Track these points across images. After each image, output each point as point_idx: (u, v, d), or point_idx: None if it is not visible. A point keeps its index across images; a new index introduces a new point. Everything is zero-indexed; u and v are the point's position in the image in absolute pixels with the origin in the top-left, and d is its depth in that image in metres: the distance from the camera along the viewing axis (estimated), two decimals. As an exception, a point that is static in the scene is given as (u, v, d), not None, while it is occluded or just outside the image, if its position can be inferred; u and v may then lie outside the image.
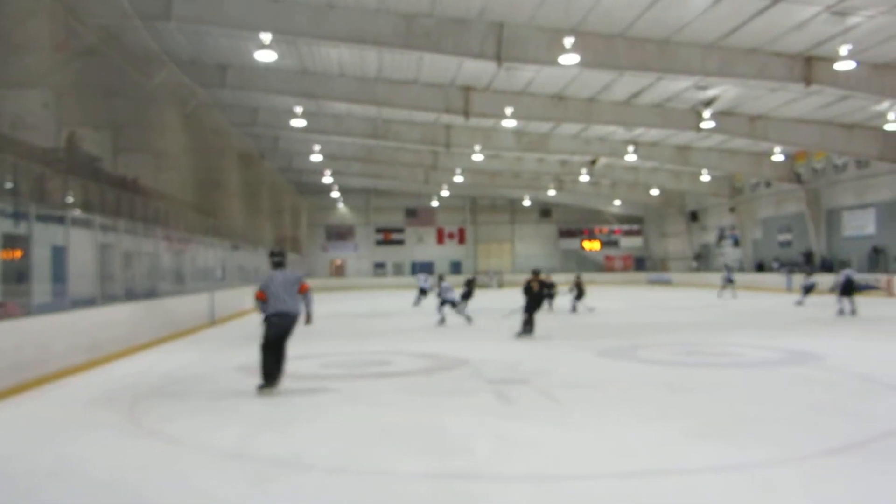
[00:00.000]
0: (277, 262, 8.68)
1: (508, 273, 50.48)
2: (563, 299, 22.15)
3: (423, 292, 22.47)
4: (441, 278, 19.17)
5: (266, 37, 16.93)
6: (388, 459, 5.44)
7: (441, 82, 23.22)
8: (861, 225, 31.98)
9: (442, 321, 17.67)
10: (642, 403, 7.50)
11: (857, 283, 18.39)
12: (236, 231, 24.68)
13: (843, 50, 17.22)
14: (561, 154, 33.80)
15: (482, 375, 9.33)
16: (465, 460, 5.39)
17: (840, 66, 17.85)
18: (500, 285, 46.18)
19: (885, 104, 23.06)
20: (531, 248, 54.87)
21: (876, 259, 30.41)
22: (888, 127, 25.76)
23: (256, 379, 8.30)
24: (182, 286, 17.79)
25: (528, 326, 14.05)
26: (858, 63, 18.39)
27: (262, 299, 8.40)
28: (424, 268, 52.97)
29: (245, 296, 22.05)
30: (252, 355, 11.51)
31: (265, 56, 17.45)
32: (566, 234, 55.00)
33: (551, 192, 46.06)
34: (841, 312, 18.19)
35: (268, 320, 8.31)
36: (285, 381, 8.40)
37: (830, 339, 13.03)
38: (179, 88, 20.51)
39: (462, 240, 54.60)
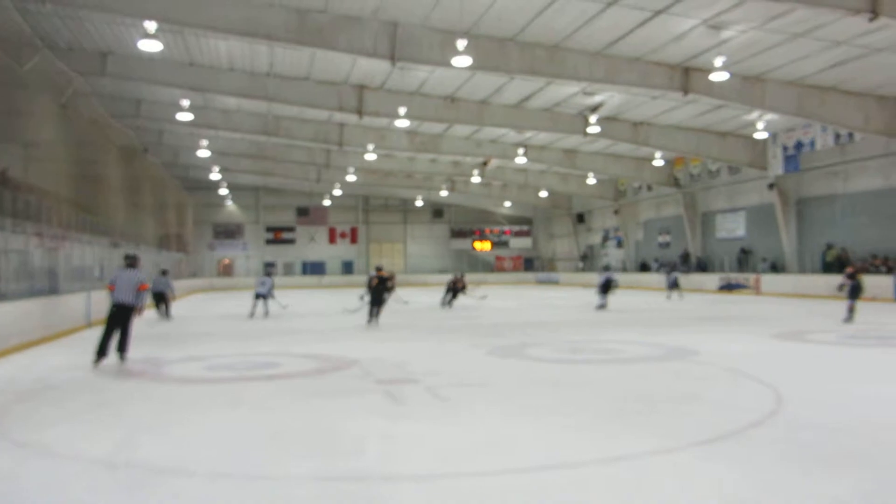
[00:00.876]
0: (129, 263, 10.81)
1: (401, 273, 50.50)
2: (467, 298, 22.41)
3: (259, 297, 20.73)
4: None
5: (150, 25, 16.19)
6: (275, 463, 5.31)
7: (334, 80, 22.98)
8: (732, 227, 33.99)
9: (251, 315, 19.98)
10: (530, 400, 7.67)
11: (615, 283, 21.74)
12: (116, 228, 23.50)
13: (718, 62, 18.24)
14: (453, 155, 34.17)
15: (371, 376, 9.28)
16: (354, 461, 5.34)
17: (715, 76, 18.89)
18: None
19: (755, 114, 24.61)
20: (423, 248, 55.16)
21: (745, 259, 32.42)
22: (757, 135, 27.52)
23: (137, 383, 7.96)
24: (56, 286, 16.77)
25: (370, 317, 16.99)
26: (731, 74, 19.52)
27: (111, 290, 10.47)
28: (316, 268, 52.35)
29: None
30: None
31: (149, 46, 16.66)
32: (458, 234, 55.61)
33: (444, 193, 46.49)
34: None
35: (112, 307, 10.37)
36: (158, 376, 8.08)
37: (704, 336, 13.74)
38: (55, 75, 19.32)
39: (354, 239, 54.21)
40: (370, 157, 32.93)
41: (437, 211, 55.56)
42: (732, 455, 5.37)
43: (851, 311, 15.63)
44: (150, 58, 20.70)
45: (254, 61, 21.51)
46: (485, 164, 38.06)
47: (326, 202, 52.04)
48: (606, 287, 21.40)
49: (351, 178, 40.31)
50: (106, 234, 22.24)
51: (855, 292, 15.58)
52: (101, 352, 10.22)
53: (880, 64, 19.31)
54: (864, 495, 4.41)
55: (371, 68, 21.26)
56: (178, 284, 33.29)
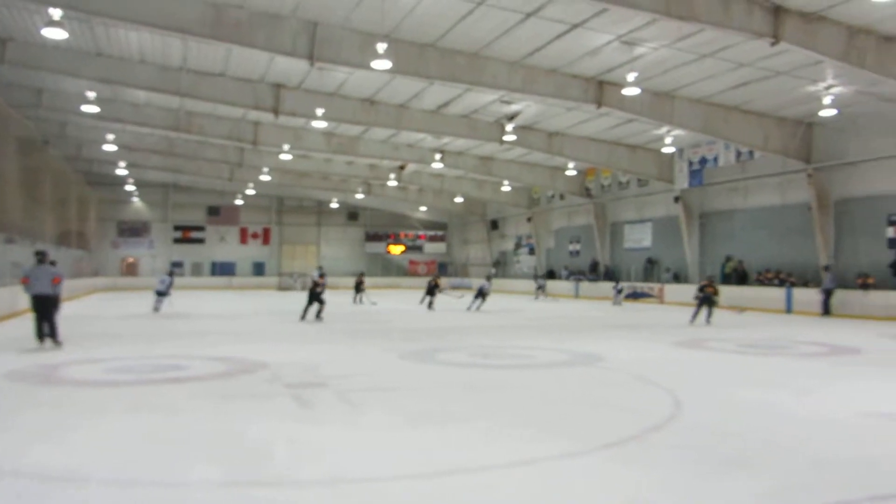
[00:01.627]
0: (39, 259, 12.04)
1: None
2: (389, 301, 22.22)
3: (160, 294, 21.94)
4: (170, 273, 23.66)
5: (56, 12, 15.41)
6: (178, 470, 5.14)
7: (250, 77, 22.51)
8: (639, 238, 35.10)
9: (155, 310, 21.62)
10: (440, 405, 7.71)
11: (486, 291, 25.02)
12: (12, 223, 22.26)
13: (630, 77, 18.82)
14: (370, 158, 33.99)
15: (280, 379, 9.12)
16: (260, 466, 5.24)
17: (627, 91, 19.49)
18: (304, 288, 45.49)
19: (664, 129, 25.51)
20: (337, 250, 54.61)
21: (651, 269, 33.54)
22: (665, 150, 28.57)
23: (28, 386, 7.59)
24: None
25: (303, 313, 19.11)
26: (642, 90, 20.18)
27: (25, 283, 11.74)
28: (226, 269, 51.09)
29: (21, 294, 19.99)
30: (25, 361, 10.53)
31: (54, 33, 15.81)
32: (373, 237, 55.33)
33: (359, 196, 46.19)
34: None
35: (32, 299, 11.71)
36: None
37: (611, 342, 14.13)
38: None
39: (267, 240, 53.14)
40: (285, 157, 32.41)
41: (352, 214, 55.13)
42: (635, 458, 5.54)
43: (695, 315, 18.83)
44: (54, 46, 19.72)
45: (166, 54, 20.82)
46: (401, 168, 38.05)
47: (239, 202, 50.79)
48: (480, 293, 24.72)
49: (265, 177, 39.56)
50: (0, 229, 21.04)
51: (706, 302, 18.76)
52: (39, 335, 11.77)
53: (780, 87, 20.38)
54: (756, 496, 4.62)
55: (289, 67, 20.94)
56: (78, 283, 31.84)
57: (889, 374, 10.57)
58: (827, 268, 23.40)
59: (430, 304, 25.44)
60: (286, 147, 30.10)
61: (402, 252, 55.91)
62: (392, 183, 40.44)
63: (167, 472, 5.06)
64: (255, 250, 52.78)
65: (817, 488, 4.79)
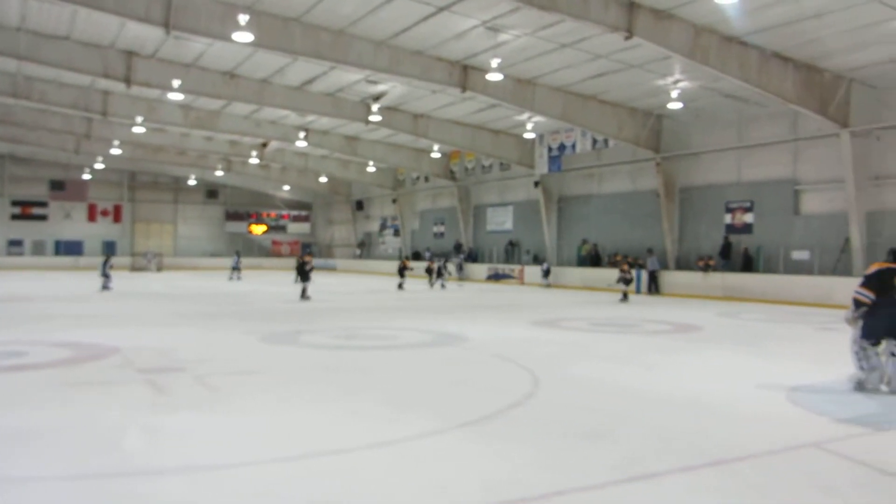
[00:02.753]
0: None
1: (170, 256, 47.71)
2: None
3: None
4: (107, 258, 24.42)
5: None
6: (21, 464, 4.80)
7: (99, 43, 21.06)
8: (501, 221, 36.06)
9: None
10: (303, 387, 7.62)
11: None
12: None
13: (494, 63, 19.18)
14: (231, 134, 32.82)
15: (133, 365, 8.70)
16: (112, 457, 4.98)
17: (490, 76, 19.86)
18: (160, 268, 43.47)
19: (525, 115, 26.23)
20: (196, 229, 52.49)
21: (512, 251, 34.56)
22: (526, 135, 29.42)
23: None
24: None
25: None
26: (505, 76, 20.64)
27: None
28: (73, 248, 47.87)
29: None
30: None
31: None
32: (234, 216, 53.60)
33: (219, 173, 44.58)
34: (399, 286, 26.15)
35: None
36: None
37: (473, 323, 14.47)
38: None
39: (118, 218, 50.19)
40: (138, 130, 30.63)
41: (211, 191, 53.07)
42: (494, 434, 5.73)
43: (626, 295, 21.19)
44: None
45: (2, 13, 19.09)
46: (264, 145, 37.01)
47: (86, 176, 47.44)
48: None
49: (116, 151, 37.27)
50: None
51: (628, 283, 21.26)
52: None
53: (633, 79, 21.45)
54: (609, 467, 4.90)
55: (142, 34, 19.76)
56: None
57: (726, 348, 11.46)
58: (650, 251, 25.21)
59: (401, 285, 26.47)
60: (139, 119, 28.47)
61: (265, 232, 54.58)
62: (254, 160, 39.28)
63: (7, 468, 4.71)
64: (105, 228, 49.74)
65: (664, 456, 5.14)
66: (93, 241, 48.64)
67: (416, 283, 28.91)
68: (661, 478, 4.68)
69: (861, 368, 7.61)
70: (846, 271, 20.28)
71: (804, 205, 22.42)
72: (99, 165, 44.56)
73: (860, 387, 7.59)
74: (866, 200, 20.14)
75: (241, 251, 38.40)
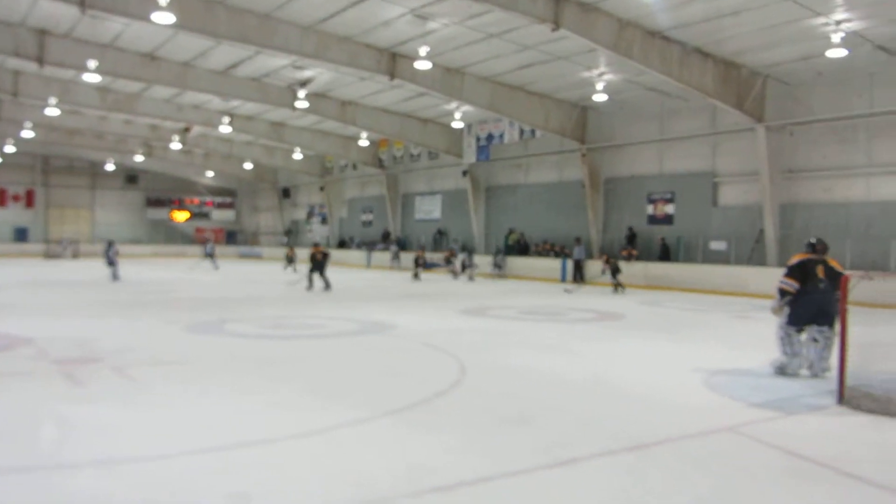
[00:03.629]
0: None
1: (87, 243, 45.92)
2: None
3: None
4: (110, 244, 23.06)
5: None
6: (-80, 459, 4.56)
7: (8, 20, 19.99)
8: (430, 209, 36.10)
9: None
10: (227, 378, 7.48)
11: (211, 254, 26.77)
12: None
13: (422, 51, 19.14)
14: (151, 118, 31.76)
15: (48, 356, 8.37)
16: (26, 451, 4.79)
17: (419, 65, 19.81)
18: (76, 256, 41.83)
19: (454, 104, 26.28)
20: (114, 216, 50.66)
21: (440, 240, 34.66)
22: (454, 125, 29.49)
23: None
24: None
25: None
26: (434, 65, 20.61)
27: None
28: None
29: None
30: None
31: None
32: (155, 203, 51.95)
33: (139, 158, 43.10)
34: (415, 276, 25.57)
35: None
36: None
37: (401, 311, 14.46)
38: None
39: (31, 203, 47.93)
40: (52, 112, 29.24)
41: (130, 177, 51.23)
42: (421, 422, 5.75)
43: (619, 286, 21.43)
44: None
45: None
46: (186, 130, 35.99)
47: (-5, 159, 45.25)
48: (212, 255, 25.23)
49: (28, 133, 35.54)
50: None
51: (615, 274, 21.20)
52: None
53: (559, 71, 21.74)
54: (533, 451, 4.98)
55: (56, 12, 18.87)
56: None
57: (647, 335, 11.78)
58: (578, 240, 25.74)
59: (416, 275, 26.57)
60: (53, 101, 27.20)
61: (188, 219, 53.12)
62: (176, 146, 38.11)
63: None
64: (16, 214, 47.48)
65: (585, 441, 5.26)
66: (3, 227, 46.41)
67: (399, 274, 28.69)
68: (582, 462, 4.79)
69: (784, 353, 7.98)
70: (760, 261, 21.13)
71: (722, 197, 23.20)
72: (9, 148, 42.38)
73: (782, 371, 7.97)
74: (779, 193, 20.99)
75: (164, 239, 37.30)
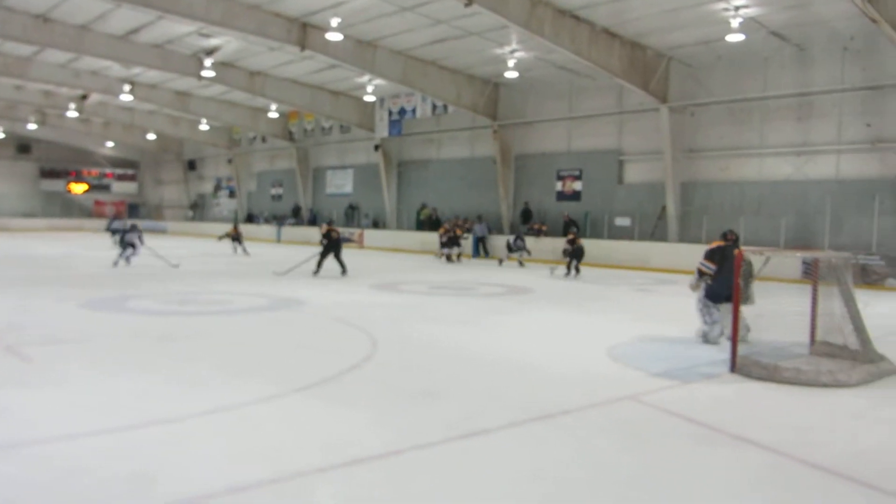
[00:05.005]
0: None
1: (-27, 215, 43.27)
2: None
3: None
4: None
5: None
6: None
7: None
8: (341, 184, 35.73)
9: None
10: (132, 356, 7.24)
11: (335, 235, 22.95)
12: None
13: (334, 22, 18.81)
14: (45, 84, 30.06)
15: (-67, 335, 7.90)
16: None
17: (330, 36, 19.47)
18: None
19: (366, 77, 25.97)
20: (5, 187, 47.69)
21: (352, 214, 34.40)
22: (366, 98, 29.18)
23: None
24: None
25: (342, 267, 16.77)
26: (346, 36, 20.29)
27: None
28: None
29: None
30: None
31: None
32: (49, 174, 49.26)
33: (32, 126, 40.78)
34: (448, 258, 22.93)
35: None
36: None
37: (311, 287, 14.30)
38: None
39: None
40: (-68, 74, 27.38)
41: (23, 146, 48.32)
42: (334, 397, 5.74)
43: (569, 267, 18.16)
44: None
45: None
46: (84, 97, 34.24)
47: None
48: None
49: None
50: None
51: (576, 256, 18.15)
52: None
53: (472, 46, 21.79)
54: (443, 423, 5.06)
55: (-65, -33, 17.61)
56: None
57: (555, 308, 12.08)
58: (479, 217, 26.16)
59: (451, 257, 22.95)
60: (-66, 63, 25.43)
61: (86, 191, 50.69)
62: (73, 114, 36.24)
63: None
64: None
65: (495, 413, 5.37)
66: None
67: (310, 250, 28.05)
68: (492, 433, 4.90)
69: (705, 322, 8.63)
70: (662, 237, 21.95)
71: (627, 174, 23.91)
72: None
73: (705, 338, 8.61)
74: (681, 171, 21.80)
75: (60, 212, 35.46)
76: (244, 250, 24.66)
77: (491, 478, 4.10)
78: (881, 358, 7.16)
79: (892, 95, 17.85)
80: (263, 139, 40.19)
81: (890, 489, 4.08)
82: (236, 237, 25.25)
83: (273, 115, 34.22)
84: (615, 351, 8.00)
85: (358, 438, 4.70)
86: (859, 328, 7.33)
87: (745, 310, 7.86)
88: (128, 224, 20.32)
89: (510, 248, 22.04)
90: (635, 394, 6.06)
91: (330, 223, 18.09)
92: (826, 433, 5.22)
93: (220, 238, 24.12)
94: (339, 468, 4.15)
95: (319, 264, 16.79)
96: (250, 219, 41.10)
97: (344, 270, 16.78)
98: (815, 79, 19.06)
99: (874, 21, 14.77)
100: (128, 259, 18.19)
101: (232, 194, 44.18)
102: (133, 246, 18.24)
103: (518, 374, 6.82)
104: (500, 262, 22.60)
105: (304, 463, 4.19)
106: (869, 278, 16.80)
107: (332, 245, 16.78)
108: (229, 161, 42.98)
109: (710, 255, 8.68)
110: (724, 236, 8.92)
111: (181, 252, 23.78)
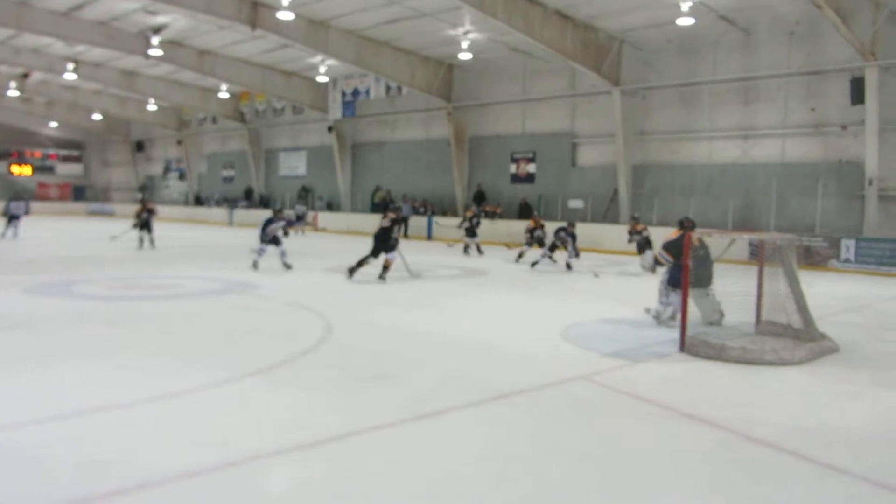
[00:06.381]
0: None
1: None
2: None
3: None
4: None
5: None
6: None
7: None
8: (294, 166, 35.32)
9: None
10: (75, 342, 7.08)
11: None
12: None
13: (285, 1, 18.48)
14: (-18, 61, 29.02)
15: None
16: None
17: (281, 15, 19.16)
18: None
19: (318, 58, 25.65)
20: (-59, 168, 46.09)
21: (305, 197, 34.05)
22: (319, 79, 28.83)
23: None
24: None
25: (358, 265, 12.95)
26: (297, 16, 19.98)
27: None
28: None
29: None
30: None
31: None
32: (-10, 155, 47.63)
33: (-31, 105, 39.39)
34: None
35: None
36: None
37: (263, 272, 14.11)
38: None
39: None
40: None
41: (-40, 126, 46.71)
42: (287, 381, 5.71)
43: (652, 264, 14.91)
44: None
45: None
46: (25, 76, 33.11)
47: None
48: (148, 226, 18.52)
49: None
50: None
51: (645, 246, 15.78)
52: None
53: (425, 27, 21.65)
54: (399, 406, 5.08)
55: None
56: None
57: (509, 290, 12.15)
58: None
59: (467, 249, 19.45)
60: None
61: (30, 174, 49.10)
62: (13, 93, 35.06)
63: None
64: None
65: (450, 394, 5.41)
66: None
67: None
68: (447, 414, 4.94)
69: (661, 303, 8.79)
70: (614, 219, 22.21)
71: (580, 157, 24.11)
72: None
73: (657, 318, 8.78)
74: (632, 154, 22.08)
75: (1, 194, 34.26)
76: (151, 242, 18.82)
77: (446, 457, 4.14)
78: (822, 336, 7.40)
79: (836, 81, 18.29)
80: (214, 120, 39.44)
81: (830, 462, 4.23)
82: (146, 222, 18.67)
83: (224, 95, 33.58)
84: (569, 332, 8.10)
85: (314, 421, 4.69)
86: (802, 308, 7.56)
87: (717, 294, 8.06)
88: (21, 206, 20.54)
89: (553, 245, 16.34)
90: (588, 374, 6.16)
91: (397, 209, 13.87)
92: (771, 409, 5.38)
93: (135, 226, 18.77)
94: (294, 451, 4.14)
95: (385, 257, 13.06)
96: (198, 201, 40.35)
97: (412, 274, 13.63)
98: (762, 63, 19.44)
99: (818, 7, 15.12)
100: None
101: (182, 176, 43.32)
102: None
103: (473, 356, 6.87)
104: (466, 248, 19.45)
105: (258, 446, 4.17)
106: (812, 259, 17.29)
107: (383, 241, 13.02)
108: (179, 142, 42.10)
109: (668, 246, 8.79)
110: (682, 224, 9.06)
111: (130, 235, 23.25)
